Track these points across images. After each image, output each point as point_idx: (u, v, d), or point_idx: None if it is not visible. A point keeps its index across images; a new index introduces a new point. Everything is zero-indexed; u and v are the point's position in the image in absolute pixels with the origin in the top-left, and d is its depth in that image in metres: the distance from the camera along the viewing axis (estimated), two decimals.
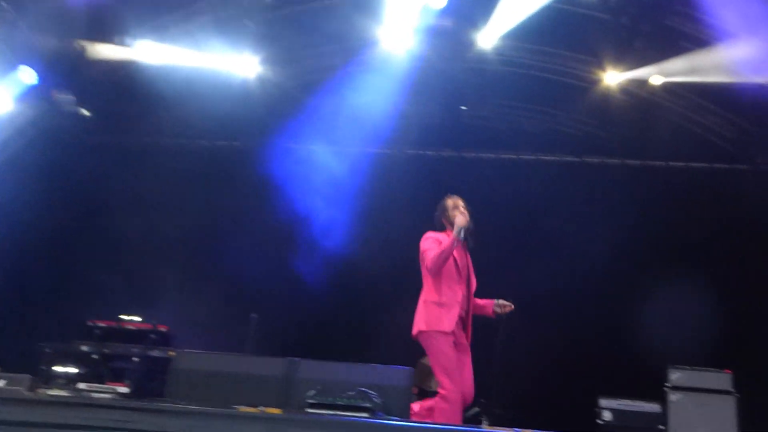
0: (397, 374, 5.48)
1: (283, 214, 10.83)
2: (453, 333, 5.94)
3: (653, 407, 8.09)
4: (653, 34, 10.17)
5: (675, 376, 8.10)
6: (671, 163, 11.99)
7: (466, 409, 6.18)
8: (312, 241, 10.74)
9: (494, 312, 6.30)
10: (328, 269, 10.81)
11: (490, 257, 10.64)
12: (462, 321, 6.08)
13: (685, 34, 10.69)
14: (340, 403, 5.00)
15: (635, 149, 11.86)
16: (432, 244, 6.06)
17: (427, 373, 8.30)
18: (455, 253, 6.06)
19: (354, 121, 10.78)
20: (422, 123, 11.62)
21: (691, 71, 10.83)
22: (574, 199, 11.15)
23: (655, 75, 10.84)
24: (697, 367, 8.15)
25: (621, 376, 9.37)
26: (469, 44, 10.55)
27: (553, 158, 12.08)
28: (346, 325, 10.87)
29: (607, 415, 8.08)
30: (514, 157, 12.04)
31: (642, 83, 11.05)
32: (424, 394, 8.30)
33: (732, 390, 7.89)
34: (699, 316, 9.86)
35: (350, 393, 5.06)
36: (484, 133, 11.76)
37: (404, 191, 11.00)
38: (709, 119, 11.84)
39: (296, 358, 5.58)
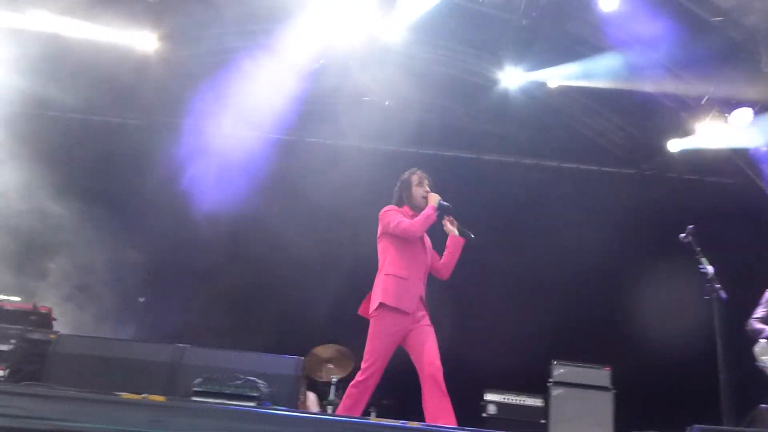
0: (287, 363, 5.45)
1: (174, 194, 10.57)
2: (409, 316, 5.52)
3: (536, 401, 8.33)
4: (553, 37, 10.41)
5: (557, 371, 8.37)
6: (563, 164, 12.36)
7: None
8: (203, 222, 10.52)
9: (456, 235, 6.01)
10: (220, 253, 10.65)
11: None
12: (422, 300, 5.73)
13: (583, 39, 11.02)
14: (226, 391, 4.91)
15: (531, 148, 12.17)
16: (397, 215, 5.76)
17: (318, 363, 8.30)
18: None
19: (254, 106, 10.60)
20: (323, 113, 11.55)
21: (586, 76, 11.18)
22: (470, 195, 11.30)
23: (553, 78, 11.14)
24: (578, 364, 8.43)
25: (507, 371, 9.56)
26: (373, 36, 10.54)
27: (451, 154, 12.24)
28: (239, 311, 10.72)
29: (491, 409, 8.27)
30: (415, 151, 12.13)
31: (540, 85, 11.32)
32: (313, 384, 8.30)
33: (610, 386, 8.20)
34: (582, 312, 10.20)
35: (238, 381, 4.98)
36: (385, 125, 11.78)
37: (302, 179, 10.94)
38: (601, 124, 12.26)
39: (183, 345, 5.46)
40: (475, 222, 10.76)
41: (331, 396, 8.01)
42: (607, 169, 12.34)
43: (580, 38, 10.91)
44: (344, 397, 5.41)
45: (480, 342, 10.28)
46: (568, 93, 11.73)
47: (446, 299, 10.52)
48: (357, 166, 11.38)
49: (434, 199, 5.85)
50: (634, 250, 10.66)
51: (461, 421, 5.36)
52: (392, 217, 5.75)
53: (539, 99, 11.63)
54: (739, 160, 11.40)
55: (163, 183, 10.70)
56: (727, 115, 10.13)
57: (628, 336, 9.78)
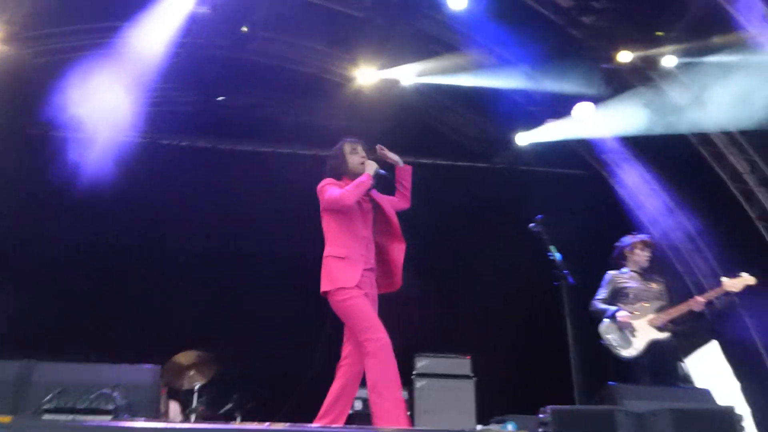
0: (144, 373, 5.24)
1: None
2: (358, 287, 5.26)
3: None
4: (406, 35, 10.58)
5: (420, 363, 8.51)
6: (419, 160, 12.56)
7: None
8: (46, 231, 10.00)
9: (401, 164, 5.92)
10: (71, 263, 10.18)
11: (245, 250, 10.73)
12: (369, 274, 5.47)
13: (435, 37, 11.27)
14: (80, 406, 4.67)
15: (387, 145, 12.28)
16: (332, 187, 5.42)
17: (178, 371, 8.08)
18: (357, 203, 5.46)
19: (103, 107, 10.16)
20: (177, 112, 11.25)
21: (440, 73, 11.45)
22: None
23: (406, 75, 11.32)
24: (440, 354, 8.60)
25: None
26: (226, 33, 10.36)
27: (308, 152, 12.20)
28: (94, 320, 10.28)
29: (357, 405, 8.27)
30: (271, 150, 12.02)
31: (394, 82, 11.47)
32: (175, 393, 8.08)
33: (471, 374, 8.42)
34: (442, 305, 10.43)
35: (91, 395, 4.76)
36: (241, 124, 11.62)
37: (155, 181, 10.60)
38: (454, 120, 12.59)
39: (32, 360, 5.17)
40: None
41: (194, 404, 7.83)
42: (461, 163, 12.65)
43: (432, 36, 11.16)
44: (368, 371, 5.11)
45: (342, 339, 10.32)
46: (421, 90, 11.96)
47: (306, 291, 10.56)
48: (208, 166, 11.19)
49: (371, 166, 5.55)
50: (488, 241, 10.96)
51: None
52: (326, 189, 5.41)
53: (394, 96, 11.78)
54: (583, 151, 11.98)
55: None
56: (570, 108, 10.60)
57: (487, 324, 10.06)
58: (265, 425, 4.12)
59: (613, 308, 6.58)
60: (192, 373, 8.05)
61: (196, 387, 7.96)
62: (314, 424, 4.90)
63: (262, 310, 10.36)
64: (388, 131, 12.04)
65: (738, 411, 3.17)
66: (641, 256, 6.89)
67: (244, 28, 10.69)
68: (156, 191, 10.37)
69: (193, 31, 10.22)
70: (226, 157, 11.68)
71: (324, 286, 5.29)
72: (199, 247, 10.56)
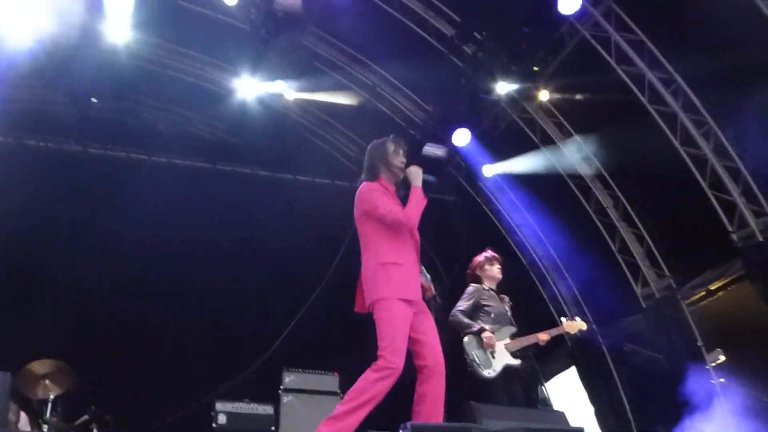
0: None
1: None
2: (414, 303, 4.85)
3: (267, 409, 8.33)
4: (289, 50, 10.55)
5: (287, 378, 8.46)
6: (298, 177, 12.55)
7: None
8: None
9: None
10: None
11: (110, 255, 10.39)
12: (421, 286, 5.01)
13: (318, 55, 11.33)
14: None
15: (267, 160, 12.23)
16: (384, 198, 4.93)
17: (32, 380, 7.70)
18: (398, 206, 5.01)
19: None
20: (45, 113, 10.79)
21: (322, 90, 11.51)
22: (202, 205, 11.13)
23: (289, 90, 11.30)
24: (308, 370, 8.57)
25: (238, 380, 9.50)
26: (100, 34, 9.97)
27: (186, 162, 11.97)
28: None
29: (221, 419, 8.13)
30: (146, 158, 11.73)
31: (277, 96, 11.43)
32: (28, 402, 7.71)
33: (338, 391, 8.41)
34: (312, 320, 10.42)
35: None
36: (114, 129, 11.27)
37: (17, 183, 10.12)
38: (335, 138, 12.66)
39: None
40: (201, 234, 10.74)
41: (48, 414, 7.47)
42: (339, 182, 12.70)
43: (316, 53, 11.21)
44: (362, 381, 4.60)
45: (209, 352, 10.16)
46: (304, 106, 11.97)
47: (172, 308, 10.36)
48: (78, 171, 10.81)
49: (418, 176, 5.04)
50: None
51: None
52: (379, 200, 4.91)
53: (276, 110, 11.74)
54: (461, 177, 12.25)
55: None
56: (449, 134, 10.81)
57: (354, 341, 10.08)
58: None
59: (477, 326, 6.60)
60: (47, 382, 7.69)
61: (51, 397, 7.60)
62: None
63: (122, 317, 10.10)
64: (269, 146, 12.02)
65: None
66: (492, 270, 6.91)
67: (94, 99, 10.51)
68: (18, 194, 9.91)
69: (63, 29, 9.81)
70: (97, 161, 11.30)
71: (379, 293, 4.79)
72: (61, 251, 10.17)
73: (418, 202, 4.92)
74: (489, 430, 3.28)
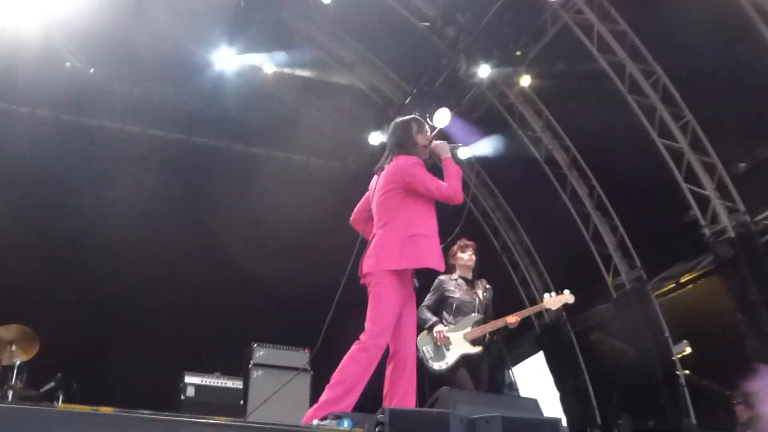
0: None
1: None
2: (409, 285, 4.82)
3: (236, 383, 8.30)
4: (269, 24, 10.41)
5: (257, 353, 8.42)
6: (273, 152, 12.46)
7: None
8: None
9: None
10: None
11: (77, 225, 10.23)
12: None
13: (298, 30, 11.21)
14: None
15: (243, 134, 12.11)
16: (429, 174, 4.84)
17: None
18: None
19: None
20: (14, 77, 10.48)
21: (299, 65, 11.40)
22: (175, 177, 10.98)
23: (268, 64, 11.17)
24: (278, 345, 8.54)
25: (207, 353, 9.45)
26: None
27: (160, 133, 11.81)
28: None
29: (190, 391, 8.09)
30: (119, 126, 11.55)
31: (256, 70, 11.29)
32: None
33: (308, 367, 8.39)
34: (282, 295, 10.39)
35: None
36: (86, 98, 11.03)
37: None
38: (312, 114, 12.56)
39: None
40: (178, 207, 10.62)
41: (13, 380, 7.37)
42: (315, 159, 12.62)
43: (296, 28, 11.08)
44: (347, 361, 4.53)
45: (178, 324, 10.08)
46: (283, 80, 11.84)
47: (143, 279, 10.25)
48: (50, 139, 10.61)
49: (445, 149, 5.02)
50: (338, 239, 10.91)
51: (159, 406, 5.15)
52: (426, 175, 4.83)
53: (254, 84, 11.60)
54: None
55: None
56: (428, 114, 10.75)
57: (331, 318, 10.03)
58: (92, 408, 3.82)
59: (433, 320, 6.55)
60: (13, 348, 7.58)
61: (17, 363, 7.51)
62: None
63: (93, 286, 9.98)
64: (246, 120, 11.90)
65: (564, 423, 3.29)
66: (463, 259, 6.85)
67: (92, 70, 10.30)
68: None
69: None
70: (69, 130, 11.10)
71: (404, 263, 4.69)
72: (31, 217, 10.02)
73: (456, 173, 4.90)
74: (466, 417, 3.26)
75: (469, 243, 6.83)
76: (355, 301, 4.80)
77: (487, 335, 6.59)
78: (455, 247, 6.80)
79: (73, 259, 10.23)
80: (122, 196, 10.09)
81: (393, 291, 4.67)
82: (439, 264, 4.80)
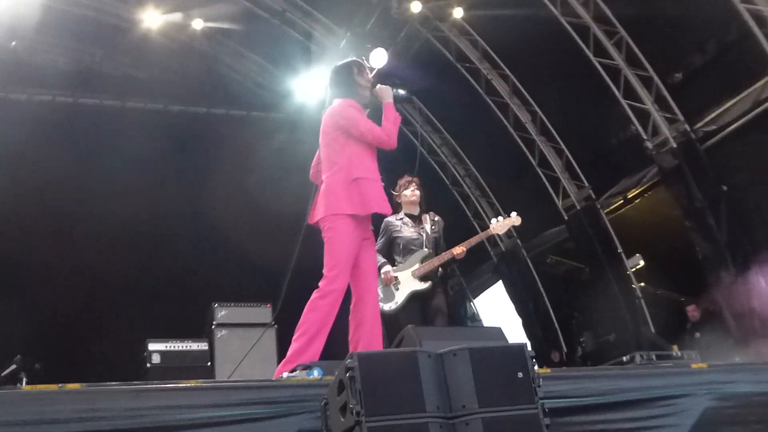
0: None
1: None
2: (366, 224, 4.83)
3: (201, 345, 8.26)
4: None
5: (219, 313, 8.39)
6: (212, 110, 12.23)
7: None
8: None
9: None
10: None
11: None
12: None
13: None
14: None
15: (177, 94, 11.83)
16: (364, 117, 4.84)
17: None
18: None
19: None
20: None
21: (230, 19, 11.11)
22: (113, 145, 10.71)
23: (196, 19, 10.90)
24: (240, 303, 8.50)
25: (169, 318, 9.39)
26: None
27: (92, 101, 11.48)
28: None
29: (155, 358, 8.03)
30: (50, 98, 11.18)
31: (183, 27, 11.02)
32: None
33: (272, 322, 8.37)
34: (241, 252, 10.32)
35: None
36: (16, 70, 10.67)
37: None
38: (248, 67, 12.32)
39: None
40: (122, 172, 10.40)
41: None
42: (255, 113, 12.43)
43: None
44: (307, 311, 4.56)
45: (137, 290, 9.99)
46: (212, 35, 11.58)
47: (94, 249, 10.08)
48: None
49: (387, 93, 4.95)
50: (281, 192, 10.82)
51: (126, 377, 5.10)
52: (359, 116, 4.82)
53: (183, 42, 11.31)
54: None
55: None
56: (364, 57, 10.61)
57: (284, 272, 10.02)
58: (59, 386, 3.76)
59: (380, 261, 6.54)
60: None
61: None
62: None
63: (45, 259, 9.79)
64: (179, 80, 11.61)
65: (528, 347, 3.34)
66: (407, 196, 6.80)
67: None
68: None
69: None
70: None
71: (350, 208, 4.70)
72: None
73: (394, 119, 4.86)
74: (433, 353, 3.28)
75: (412, 179, 6.77)
76: (316, 252, 4.79)
77: (439, 269, 6.62)
78: (398, 186, 6.75)
79: (25, 234, 9.98)
80: (58, 166, 9.86)
81: (344, 234, 4.68)
82: (384, 207, 4.84)
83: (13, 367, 7.66)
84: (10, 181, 9.89)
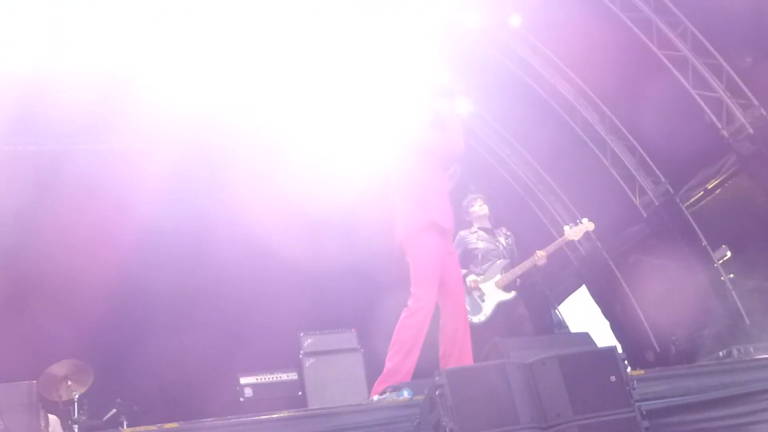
0: (18, 391, 4.97)
1: None
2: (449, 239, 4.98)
3: (291, 375, 8.37)
4: None
5: (306, 342, 8.48)
6: None
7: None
8: None
9: None
10: None
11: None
12: None
13: None
14: None
15: None
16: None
17: (55, 382, 7.71)
18: None
19: None
20: None
21: None
22: None
23: None
24: (325, 331, 8.58)
25: (258, 351, 9.48)
26: None
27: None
28: None
29: (248, 392, 8.17)
30: None
31: None
32: (53, 406, 7.72)
33: (358, 346, 8.44)
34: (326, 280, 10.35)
35: None
36: None
37: None
38: None
39: None
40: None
41: (76, 414, 7.49)
42: None
43: None
44: (399, 330, 4.63)
45: (224, 327, 10.10)
46: None
47: (175, 290, 10.16)
48: None
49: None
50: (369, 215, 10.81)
51: (220, 410, 5.19)
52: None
53: None
54: None
55: None
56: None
57: (374, 295, 10.03)
58: (157, 426, 3.89)
59: (462, 272, 6.55)
60: (69, 383, 7.70)
61: (76, 397, 7.62)
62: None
63: (123, 304, 9.94)
64: None
65: (619, 350, 3.29)
66: (475, 211, 6.82)
67: None
68: None
69: None
70: None
71: (429, 216, 4.81)
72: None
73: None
74: (521, 363, 3.26)
75: (476, 195, 6.82)
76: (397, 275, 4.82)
77: (518, 279, 6.59)
78: (465, 203, 6.79)
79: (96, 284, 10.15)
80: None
81: (426, 249, 4.74)
82: (449, 222, 4.92)
83: (114, 411, 7.90)
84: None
